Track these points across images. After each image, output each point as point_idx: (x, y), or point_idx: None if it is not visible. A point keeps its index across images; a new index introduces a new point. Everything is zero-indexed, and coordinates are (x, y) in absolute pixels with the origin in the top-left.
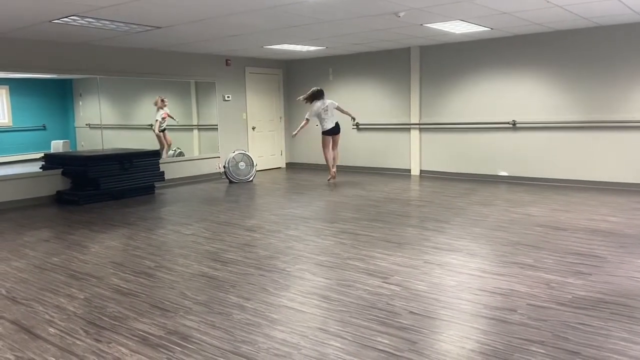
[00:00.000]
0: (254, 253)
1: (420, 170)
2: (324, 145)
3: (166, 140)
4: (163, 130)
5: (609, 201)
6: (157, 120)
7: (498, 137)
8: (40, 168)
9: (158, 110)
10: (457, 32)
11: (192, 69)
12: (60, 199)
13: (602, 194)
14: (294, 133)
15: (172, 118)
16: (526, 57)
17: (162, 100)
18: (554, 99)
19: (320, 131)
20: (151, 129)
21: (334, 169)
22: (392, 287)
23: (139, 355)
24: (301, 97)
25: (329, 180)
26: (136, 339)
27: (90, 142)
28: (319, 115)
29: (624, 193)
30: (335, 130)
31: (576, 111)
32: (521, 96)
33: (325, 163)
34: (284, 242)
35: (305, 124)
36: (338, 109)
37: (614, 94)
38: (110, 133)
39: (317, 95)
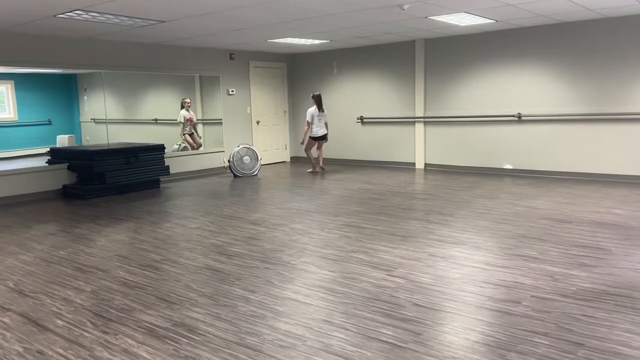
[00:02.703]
0: (259, 246)
1: (425, 164)
2: (309, 148)
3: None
4: (190, 134)
5: (613, 193)
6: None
7: (503, 130)
8: (46, 162)
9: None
10: (461, 24)
11: (196, 63)
12: (66, 193)
13: (606, 187)
14: (301, 142)
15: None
16: (531, 50)
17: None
18: (559, 92)
19: (309, 135)
20: (156, 123)
21: (322, 163)
22: (397, 279)
23: (146, 347)
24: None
25: (309, 171)
26: (143, 330)
27: (95, 136)
28: (312, 119)
29: (628, 185)
30: (324, 137)
31: (581, 104)
32: (526, 89)
33: (309, 161)
34: (288, 236)
35: (308, 127)
36: (326, 122)
37: (619, 86)
38: (116, 127)
39: (318, 100)
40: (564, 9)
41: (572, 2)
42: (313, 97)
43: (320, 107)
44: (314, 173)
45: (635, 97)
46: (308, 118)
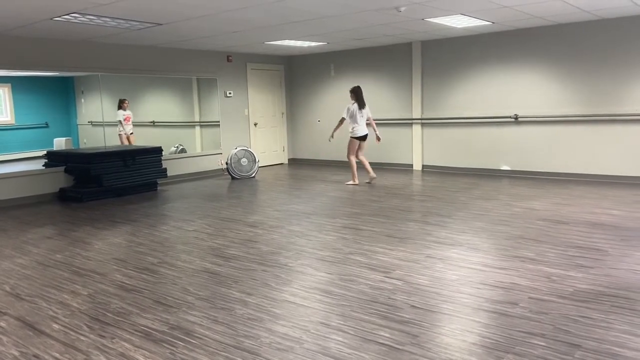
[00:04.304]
0: (257, 249)
1: (422, 165)
2: (351, 151)
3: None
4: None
5: (610, 194)
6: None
7: (500, 131)
8: (43, 165)
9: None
10: (458, 26)
11: (193, 65)
12: (63, 196)
13: (604, 187)
14: (330, 137)
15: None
16: (528, 51)
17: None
18: (556, 93)
19: (350, 135)
20: (154, 125)
21: (371, 170)
22: (394, 281)
23: (143, 351)
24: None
25: (348, 184)
26: (140, 334)
27: (92, 139)
28: (353, 117)
29: (625, 186)
30: (365, 137)
31: (578, 105)
32: (523, 90)
33: (350, 170)
34: (286, 238)
35: (340, 124)
36: (369, 120)
37: (616, 87)
38: (113, 130)
39: (359, 94)
40: (560, 10)
41: (567, 4)
42: (352, 91)
43: (362, 103)
44: (354, 185)
45: (632, 97)
46: (344, 114)
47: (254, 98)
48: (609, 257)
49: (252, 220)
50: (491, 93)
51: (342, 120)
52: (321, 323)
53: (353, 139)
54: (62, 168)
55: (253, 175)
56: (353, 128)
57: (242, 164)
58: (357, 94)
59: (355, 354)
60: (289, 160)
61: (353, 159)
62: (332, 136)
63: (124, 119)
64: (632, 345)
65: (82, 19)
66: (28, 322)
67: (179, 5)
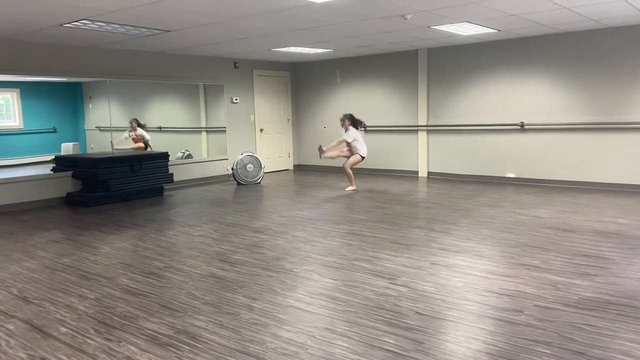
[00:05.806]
0: (262, 254)
1: (428, 172)
2: (353, 164)
3: None
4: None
5: (616, 203)
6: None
7: (506, 138)
8: (51, 170)
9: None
10: (464, 34)
11: (200, 71)
12: (70, 201)
13: (610, 196)
14: (325, 149)
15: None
16: (534, 59)
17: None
18: (562, 101)
19: (358, 152)
20: (160, 131)
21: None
22: (399, 288)
23: (149, 354)
24: (344, 120)
25: (347, 190)
26: (146, 338)
27: (100, 144)
28: (356, 140)
29: (632, 195)
30: None
31: (584, 113)
32: (529, 98)
33: (349, 178)
34: (291, 244)
35: (341, 143)
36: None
37: (622, 95)
38: (120, 135)
39: (354, 118)
40: (567, 19)
41: (574, 13)
42: (349, 117)
43: (357, 124)
44: (353, 190)
45: (638, 106)
46: (350, 140)
47: (260, 104)
48: (615, 266)
49: (258, 226)
50: (497, 100)
51: (344, 142)
52: (326, 329)
53: (360, 156)
54: (70, 173)
55: (259, 181)
56: (359, 148)
57: (248, 169)
58: (352, 119)
59: None
60: (294, 166)
61: (350, 170)
62: (322, 149)
63: (132, 138)
64: (637, 354)
65: (92, 25)
66: (36, 325)
67: (187, 12)
